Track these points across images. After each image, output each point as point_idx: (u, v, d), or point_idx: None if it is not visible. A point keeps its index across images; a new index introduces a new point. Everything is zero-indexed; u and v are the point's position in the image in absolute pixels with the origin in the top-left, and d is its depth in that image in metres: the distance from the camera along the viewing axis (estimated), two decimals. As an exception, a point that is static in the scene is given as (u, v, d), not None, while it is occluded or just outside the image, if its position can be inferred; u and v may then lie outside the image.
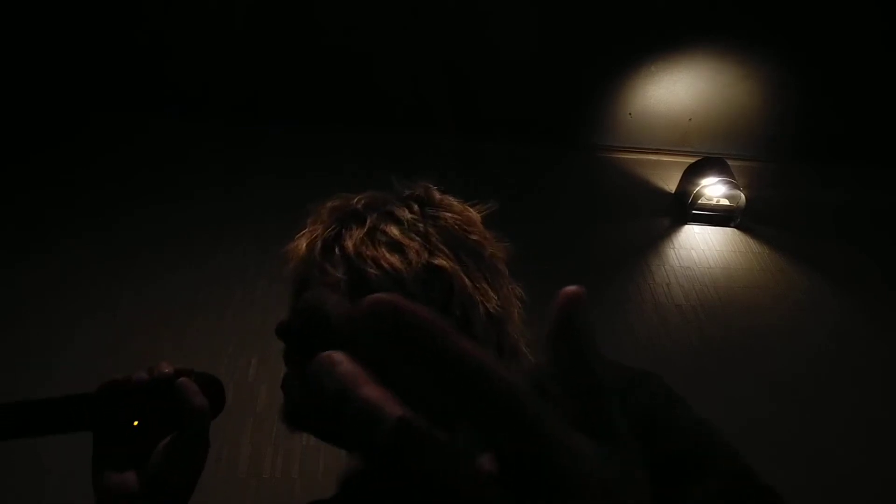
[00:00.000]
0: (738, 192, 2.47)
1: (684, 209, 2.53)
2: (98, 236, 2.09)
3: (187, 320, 1.91)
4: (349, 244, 0.62)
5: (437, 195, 0.69)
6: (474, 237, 0.66)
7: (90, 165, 2.29)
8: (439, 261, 0.61)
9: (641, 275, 2.34)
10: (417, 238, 0.62)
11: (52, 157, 2.29)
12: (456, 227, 0.65)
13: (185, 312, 1.93)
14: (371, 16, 2.17)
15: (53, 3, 2.07)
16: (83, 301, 1.92)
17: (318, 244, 0.64)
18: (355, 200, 0.68)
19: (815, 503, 1.81)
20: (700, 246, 2.47)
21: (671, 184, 2.64)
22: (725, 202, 2.52)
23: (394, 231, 0.62)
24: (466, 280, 0.61)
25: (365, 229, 0.63)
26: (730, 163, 2.54)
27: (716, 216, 2.53)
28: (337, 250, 0.63)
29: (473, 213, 0.69)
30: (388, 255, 0.60)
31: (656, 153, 2.74)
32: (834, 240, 2.54)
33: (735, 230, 2.55)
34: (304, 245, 0.66)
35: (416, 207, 0.65)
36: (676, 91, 2.48)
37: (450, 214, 0.66)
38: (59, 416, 0.55)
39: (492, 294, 0.63)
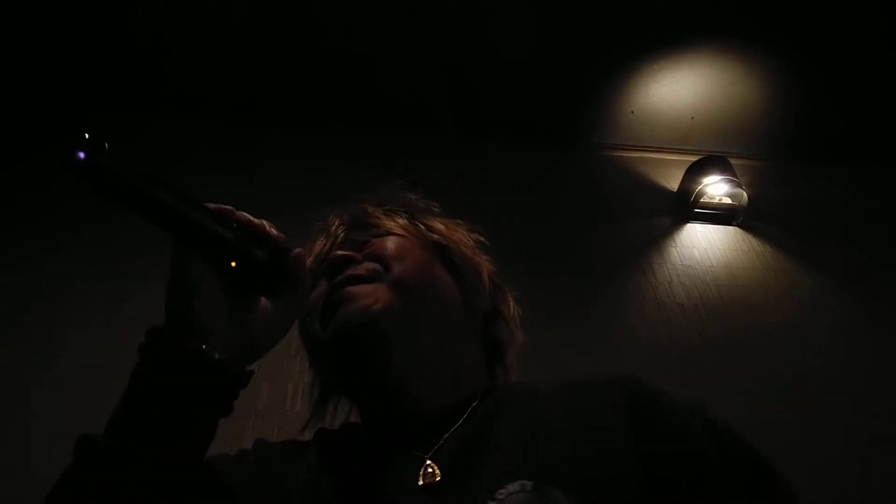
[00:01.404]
0: (741, 190, 2.47)
1: (686, 208, 2.52)
2: (98, 236, 2.09)
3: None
4: (439, 226, 0.71)
5: (477, 235, 0.80)
6: (502, 282, 0.78)
7: (90, 166, 2.29)
8: (501, 282, 0.74)
9: (643, 273, 2.33)
10: (483, 255, 0.75)
11: (52, 158, 2.29)
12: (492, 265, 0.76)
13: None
14: (371, 15, 2.17)
15: (53, 3, 2.07)
16: (84, 301, 1.92)
17: (401, 212, 0.72)
18: (420, 200, 0.77)
19: (818, 502, 1.81)
20: (702, 244, 2.47)
21: (673, 182, 2.63)
22: (728, 201, 2.52)
23: (466, 239, 0.75)
24: (513, 305, 0.74)
25: (448, 224, 0.74)
26: (732, 161, 2.53)
27: (718, 215, 2.52)
28: (422, 226, 0.70)
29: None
30: (468, 249, 0.72)
31: (658, 151, 2.73)
32: (836, 239, 2.53)
33: (737, 229, 2.54)
34: (378, 209, 0.71)
35: (475, 235, 0.77)
36: (679, 89, 2.48)
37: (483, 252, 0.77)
38: (173, 211, 0.50)
39: (520, 331, 0.74)
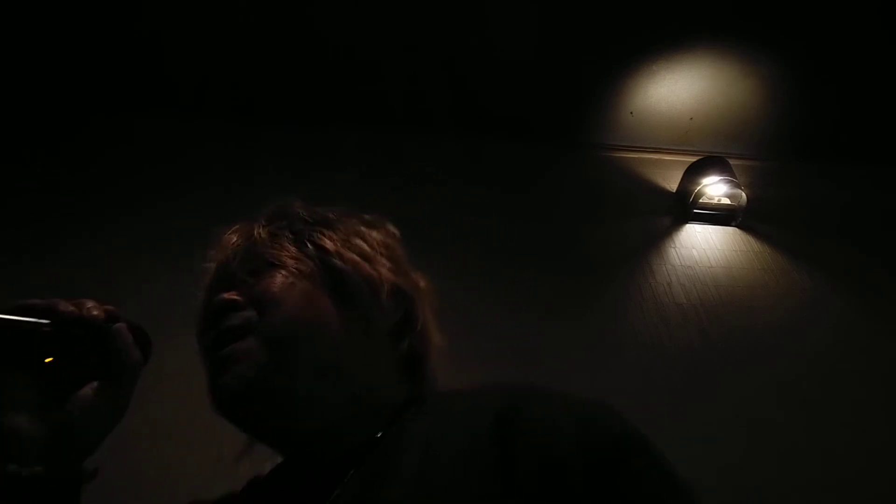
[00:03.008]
0: (740, 191, 2.47)
1: (685, 208, 2.52)
2: (98, 237, 2.09)
3: (188, 320, 1.90)
4: (328, 244, 0.65)
5: (393, 231, 0.74)
6: (419, 279, 0.72)
7: (90, 166, 2.29)
8: (407, 286, 0.67)
9: (642, 274, 2.33)
10: (385, 259, 0.67)
11: (52, 158, 2.29)
12: (406, 264, 0.71)
13: (185, 312, 1.92)
14: (370, 15, 2.17)
15: (54, 3, 2.07)
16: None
17: (288, 233, 0.66)
18: (323, 210, 0.73)
19: (818, 502, 1.81)
20: (701, 245, 2.47)
21: (672, 183, 2.63)
22: (727, 201, 2.52)
23: (364, 245, 0.67)
24: (423, 313, 0.67)
25: (340, 236, 0.67)
26: (731, 162, 2.53)
27: (717, 215, 2.52)
28: (310, 246, 0.65)
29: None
30: (363, 263, 0.64)
31: (657, 152, 2.73)
32: (835, 239, 2.53)
33: (736, 229, 2.54)
34: (264, 231, 0.67)
35: (377, 234, 0.71)
36: (678, 90, 2.48)
37: (399, 252, 0.72)
38: None
39: (433, 330, 0.69)
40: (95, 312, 0.52)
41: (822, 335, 2.23)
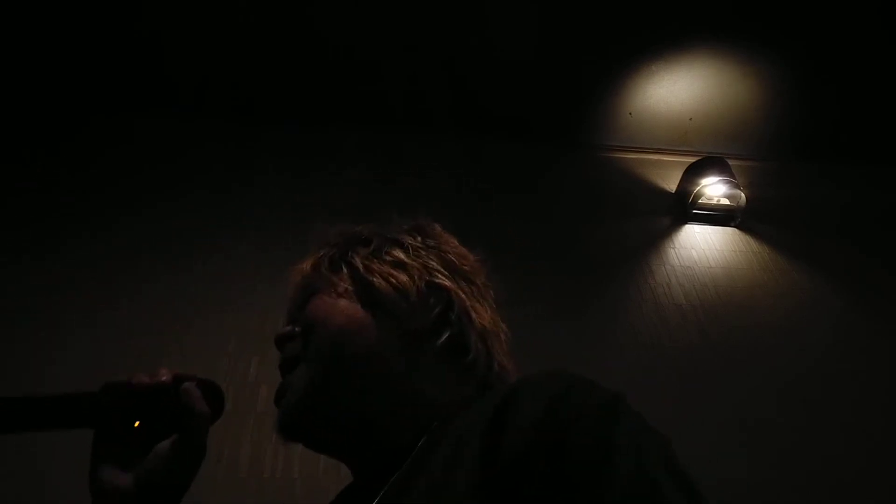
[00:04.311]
0: (739, 191, 2.47)
1: (685, 209, 2.53)
2: (98, 237, 2.09)
3: (188, 320, 1.90)
4: (357, 261, 0.68)
5: (437, 229, 0.76)
6: (467, 267, 0.72)
7: (90, 166, 2.29)
8: (439, 280, 0.67)
9: (642, 274, 2.33)
10: (419, 261, 0.69)
11: (52, 158, 2.29)
12: (453, 257, 0.71)
13: (185, 313, 1.93)
14: (370, 15, 2.17)
15: (54, 3, 2.06)
16: (84, 301, 1.92)
17: (326, 262, 0.70)
18: (360, 227, 0.74)
19: (818, 502, 1.81)
20: (700, 245, 2.47)
21: (671, 183, 2.64)
22: (726, 202, 2.52)
23: (398, 253, 0.69)
24: (464, 297, 0.67)
25: (370, 249, 0.69)
26: (730, 162, 2.53)
27: (716, 216, 2.53)
28: (344, 267, 0.69)
29: (466, 251, 0.75)
30: (393, 271, 0.67)
31: (657, 153, 2.74)
32: (835, 239, 2.53)
33: (735, 230, 2.54)
34: (310, 264, 0.72)
35: (418, 237, 0.72)
36: (677, 91, 2.48)
37: (447, 247, 0.73)
38: (63, 412, 0.56)
39: (484, 313, 0.69)
40: (164, 378, 0.60)
41: (822, 335, 2.23)
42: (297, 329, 0.67)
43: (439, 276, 0.68)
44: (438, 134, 2.59)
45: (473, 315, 0.67)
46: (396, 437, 0.59)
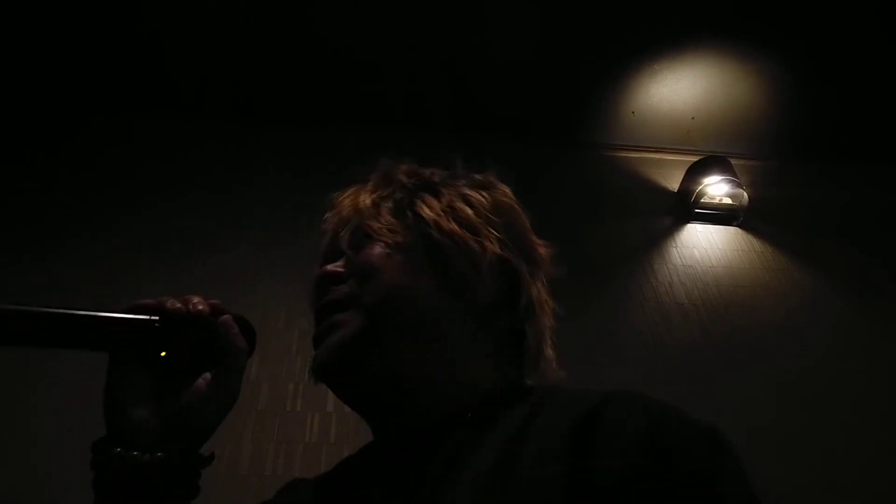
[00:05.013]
0: (741, 190, 2.47)
1: (687, 208, 2.52)
2: (98, 237, 2.09)
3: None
4: (428, 212, 0.62)
5: (509, 194, 0.71)
6: (540, 251, 0.69)
7: (90, 166, 2.29)
8: (512, 257, 0.63)
9: (644, 273, 2.33)
10: (491, 228, 0.63)
11: (52, 158, 2.29)
12: (523, 229, 0.68)
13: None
14: (370, 15, 2.17)
15: (54, 3, 2.06)
16: (84, 301, 1.91)
17: (389, 203, 0.64)
18: (429, 172, 0.69)
19: (818, 502, 1.81)
20: (702, 245, 2.47)
21: (674, 182, 2.63)
22: (728, 201, 2.52)
23: (469, 212, 0.63)
24: (533, 285, 0.64)
25: (442, 203, 0.64)
26: (733, 161, 2.53)
27: (718, 215, 2.52)
28: (410, 214, 0.63)
29: (528, 218, 0.71)
30: (464, 234, 0.61)
31: (659, 152, 2.73)
32: (837, 239, 2.53)
33: (738, 229, 2.54)
34: (368, 199, 0.65)
35: (488, 196, 0.67)
36: (679, 89, 2.48)
37: (520, 221, 0.69)
38: (85, 328, 0.51)
39: (546, 304, 0.66)
40: (201, 307, 0.54)
41: (822, 335, 2.23)
42: (347, 271, 0.62)
43: (511, 252, 0.63)
44: (438, 134, 2.58)
45: (538, 308, 0.64)
46: (434, 410, 0.56)
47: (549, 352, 0.66)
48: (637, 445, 0.42)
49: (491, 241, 0.62)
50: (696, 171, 2.51)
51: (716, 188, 2.46)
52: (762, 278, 2.37)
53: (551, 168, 2.61)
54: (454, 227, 0.62)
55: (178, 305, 0.53)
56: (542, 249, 0.69)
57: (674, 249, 2.44)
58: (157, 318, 0.52)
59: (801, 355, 2.15)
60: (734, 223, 2.54)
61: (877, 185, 2.72)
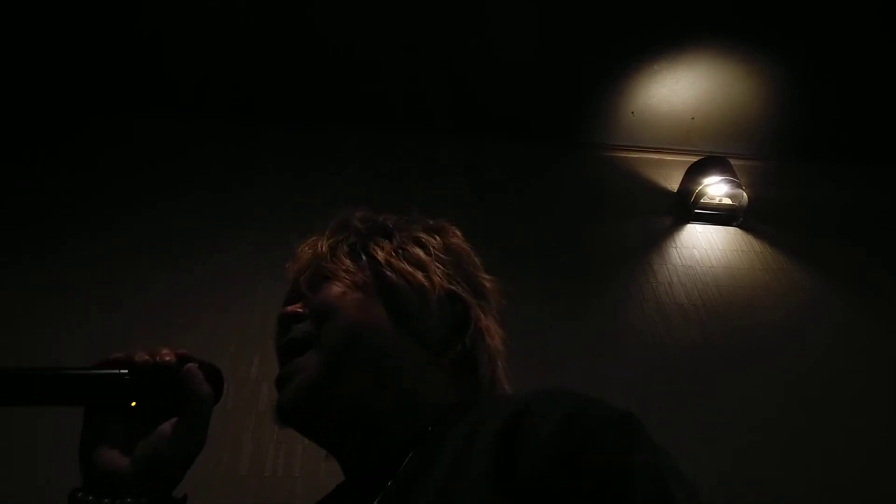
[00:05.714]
0: (741, 191, 2.47)
1: (687, 208, 2.52)
2: (98, 237, 2.09)
3: (189, 320, 1.90)
4: (380, 253, 0.67)
5: (458, 235, 0.75)
6: (487, 285, 0.72)
7: (90, 166, 2.29)
8: (460, 290, 0.67)
9: (643, 274, 2.33)
10: (439, 265, 0.68)
11: (52, 158, 2.29)
12: (471, 266, 0.72)
13: (186, 312, 1.93)
14: (370, 15, 2.17)
15: (54, 3, 2.06)
16: (85, 301, 1.92)
17: (344, 247, 0.69)
18: (383, 218, 0.73)
19: (818, 502, 1.81)
20: (702, 245, 2.47)
21: (673, 183, 2.63)
22: (728, 201, 2.52)
23: (419, 252, 0.68)
24: (481, 315, 0.68)
25: (394, 245, 0.68)
26: (732, 162, 2.53)
27: (718, 215, 2.52)
28: (364, 256, 0.68)
29: (482, 265, 0.75)
30: (415, 272, 0.66)
31: (659, 152, 2.73)
32: (837, 239, 2.53)
33: (737, 229, 2.54)
34: (325, 245, 0.70)
35: (438, 239, 0.71)
36: (679, 90, 2.48)
37: (468, 259, 0.73)
38: (56, 387, 0.54)
39: (496, 334, 0.69)
40: (168, 358, 0.58)
41: (822, 335, 2.23)
42: (307, 311, 0.65)
43: (460, 288, 0.67)
44: (438, 134, 2.59)
45: (487, 336, 0.67)
46: (395, 437, 0.59)
47: (501, 376, 0.69)
48: (548, 450, 0.43)
49: (439, 276, 0.67)
50: (696, 172, 2.51)
51: (715, 188, 2.46)
52: (762, 279, 2.37)
53: (551, 168, 2.61)
54: (404, 265, 0.66)
55: (146, 358, 0.57)
56: (490, 284, 0.73)
57: (673, 250, 2.44)
58: (125, 370, 0.56)
59: (800, 355, 2.15)
60: (734, 223, 2.54)
61: (877, 185, 2.72)
